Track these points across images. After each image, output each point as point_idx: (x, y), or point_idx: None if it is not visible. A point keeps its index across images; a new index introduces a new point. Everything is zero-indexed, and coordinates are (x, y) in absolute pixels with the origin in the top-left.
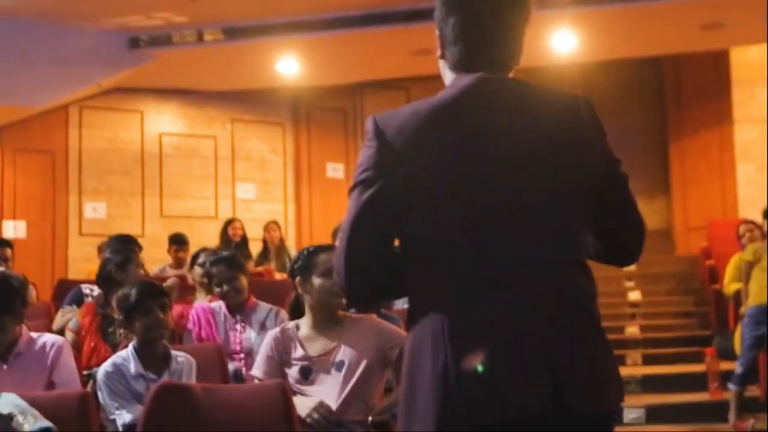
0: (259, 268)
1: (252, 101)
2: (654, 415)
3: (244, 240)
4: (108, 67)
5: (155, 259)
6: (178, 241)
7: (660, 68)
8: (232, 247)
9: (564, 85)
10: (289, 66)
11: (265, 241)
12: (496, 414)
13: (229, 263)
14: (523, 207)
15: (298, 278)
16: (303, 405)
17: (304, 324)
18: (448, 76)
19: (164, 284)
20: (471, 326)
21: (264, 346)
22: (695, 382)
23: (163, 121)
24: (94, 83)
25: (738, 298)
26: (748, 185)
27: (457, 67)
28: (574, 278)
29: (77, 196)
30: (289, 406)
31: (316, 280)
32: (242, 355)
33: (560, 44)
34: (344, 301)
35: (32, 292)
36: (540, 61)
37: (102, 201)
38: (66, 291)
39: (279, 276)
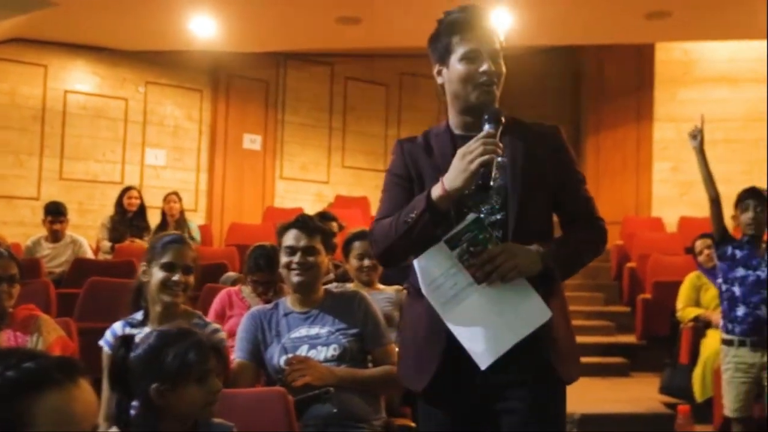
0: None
1: (170, 65)
2: None
3: (142, 210)
4: None
5: None
6: (53, 212)
7: (577, 61)
8: (128, 218)
9: None
10: (203, 26)
11: (164, 213)
12: None
13: None
14: None
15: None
16: None
17: None
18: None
19: None
20: None
21: None
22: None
23: (70, 78)
24: None
25: (697, 325)
26: (662, 184)
27: None
28: None
29: None
30: None
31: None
32: None
33: None
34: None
35: None
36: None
37: None
38: None
39: None
